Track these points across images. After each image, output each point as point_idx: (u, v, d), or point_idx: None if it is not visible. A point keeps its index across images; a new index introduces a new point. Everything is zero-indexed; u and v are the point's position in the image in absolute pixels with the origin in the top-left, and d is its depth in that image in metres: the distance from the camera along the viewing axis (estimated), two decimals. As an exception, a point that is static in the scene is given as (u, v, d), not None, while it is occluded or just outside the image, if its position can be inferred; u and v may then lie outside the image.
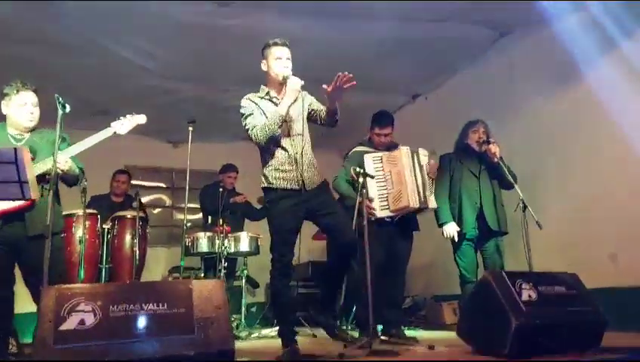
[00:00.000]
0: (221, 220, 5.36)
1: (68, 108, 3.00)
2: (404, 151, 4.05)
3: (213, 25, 5.04)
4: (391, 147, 4.21)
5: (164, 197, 8.49)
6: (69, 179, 3.36)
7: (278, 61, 3.29)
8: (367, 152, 4.09)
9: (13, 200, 2.85)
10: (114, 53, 5.46)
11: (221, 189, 5.78)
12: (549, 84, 5.17)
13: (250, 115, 3.26)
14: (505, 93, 5.70)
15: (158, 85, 6.28)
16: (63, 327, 1.98)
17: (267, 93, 3.36)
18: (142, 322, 2.12)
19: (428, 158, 4.21)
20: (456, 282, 4.52)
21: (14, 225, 3.07)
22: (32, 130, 3.31)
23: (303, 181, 3.24)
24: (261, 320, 7.12)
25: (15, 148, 2.46)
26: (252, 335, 4.99)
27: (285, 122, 3.25)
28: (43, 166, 3.12)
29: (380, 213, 3.93)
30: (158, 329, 2.13)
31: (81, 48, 5.31)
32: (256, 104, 3.30)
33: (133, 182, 5.73)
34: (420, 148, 4.21)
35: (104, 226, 4.85)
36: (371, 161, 3.98)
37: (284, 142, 3.28)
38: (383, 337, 3.93)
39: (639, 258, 4.10)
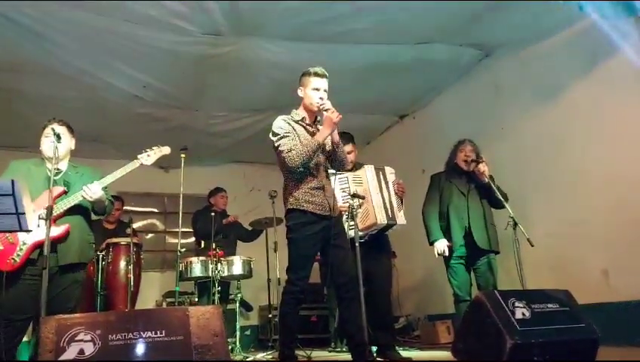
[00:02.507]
0: (214, 244, 5.37)
1: (63, 139, 3.27)
2: (367, 169, 4.14)
3: (203, 53, 5.10)
4: (355, 166, 4.26)
5: (156, 222, 8.49)
6: (98, 209, 3.55)
7: (316, 92, 3.36)
8: (332, 173, 3.97)
9: (11, 231, 2.94)
10: (106, 82, 5.50)
11: (213, 213, 5.79)
12: (534, 103, 5.26)
13: (285, 136, 3.29)
14: (491, 111, 5.79)
15: (149, 113, 6.32)
16: (63, 357, 1.98)
17: (303, 119, 3.42)
18: (141, 350, 2.12)
19: (394, 176, 4.30)
20: (449, 301, 4.56)
21: (49, 256, 3.11)
22: (72, 164, 3.56)
23: (329, 207, 3.31)
24: (256, 344, 7.11)
25: (12, 180, 2.48)
26: (247, 359, 4.96)
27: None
28: (75, 199, 3.32)
29: (350, 233, 3.81)
30: (157, 357, 2.13)
31: (73, 77, 5.35)
32: (292, 127, 3.35)
33: (127, 207, 5.73)
34: (386, 167, 4.30)
35: (98, 253, 4.84)
36: (338, 182, 3.98)
37: (313, 168, 3.35)
38: (378, 359, 3.93)
39: (630, 273, 4.15)
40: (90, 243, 3.57)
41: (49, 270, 3.10)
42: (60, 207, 3.27)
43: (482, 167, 4.25)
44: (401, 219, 4.18)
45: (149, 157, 3.67)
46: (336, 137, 3.38)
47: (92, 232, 3.61)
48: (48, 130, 3.39)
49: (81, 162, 3.72)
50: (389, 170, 4.30)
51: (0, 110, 5.96)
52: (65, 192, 3.37)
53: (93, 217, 5.45)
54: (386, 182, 4.21)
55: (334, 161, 3.49)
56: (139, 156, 3.64)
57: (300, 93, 3.44)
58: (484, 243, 4.25)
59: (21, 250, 3.18)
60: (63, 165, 3.53)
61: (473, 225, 4.28)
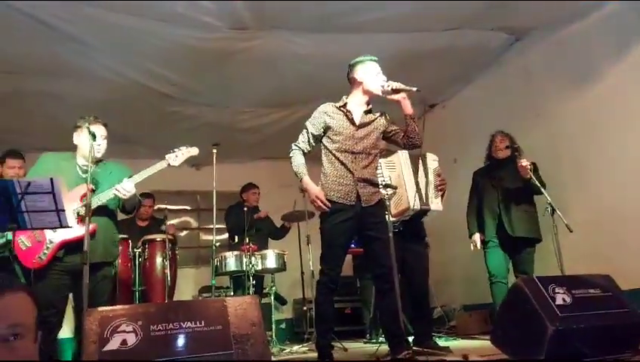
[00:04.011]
0: (247, 239, 5.41)
1: (97, 138, 3.26)
2: (401, 153, 4.10)
3: (230, 49, 5.13)
4: (386, 153, 4.23)
5: (190, 219, 8.60)
6: (129, 207, 3.55)
7: (379, 76, 3.43)
8: None
9: (52, 228, 2.96)
10: (135, 82, 5.58)
11: (245, 208, 5.84)
12: (567, 86, 5.15)
13: (305, 130, 3.46)
14: (523, 97, 5.68)
15: (178, 111, 6.39)
16: (107, 348, 2.02)
17: (345, 105, 3.45)
18: (181, 340, 2.15)
19: (437, 163, 4.30)
20: (485, 291, 4.52)
21: (75, 254, 3.18)
22: (98, 161, 3.48)
23: (358, 196, 3.30)
24: (291, 336, 7.15)
25: (51, 178, 2.54)
26: (283, 352, 5.00)
27: (353, 139, 3.37)
28: (105, 196, 3.29)
29: None
30: (197, 347, 2.15)
31: (104, 78, 5.44)
32: (330, 116, 3.41)
33: (160, 206, 5.82)
34: (428, 153, 4.31)
35: (135, 250, 4.93)
36: None
37: (345, 157, 3.36)
38: (415, 348, 3.90)
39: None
40: (116, 242, 3.56)
41: (75, 267, 3.16)
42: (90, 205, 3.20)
43: (524, 162, 4.27)
44: (436, 205, 4.13)
45: (177, 157, 3.61)
46: (409, 109, 3.38)
47: (117, 231, 3.60)
48: (96, 131, 3.35)
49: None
50: (431, 156, 4.28)
51: (35, 113, 6.09)
52: (92, 190, 3.28)
53: (123, 215, 5.56)
54: (425, 168, 4.17)
55: (405, 137, 3.47)
56: (167, 156, 3.60)
57: (360, 78, 3.45)
58: (517, 230, 4.39)
59: (48, 248, 3.18)
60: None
61: (504, 214, 4.47)
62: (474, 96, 6.55)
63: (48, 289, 3.17)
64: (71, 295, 3.33)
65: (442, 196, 4.23)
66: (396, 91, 3.32)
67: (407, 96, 3.38)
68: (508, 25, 5.35)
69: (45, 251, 3.18)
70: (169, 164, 3.56)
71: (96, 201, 3.26)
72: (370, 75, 3.43)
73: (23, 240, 3.20)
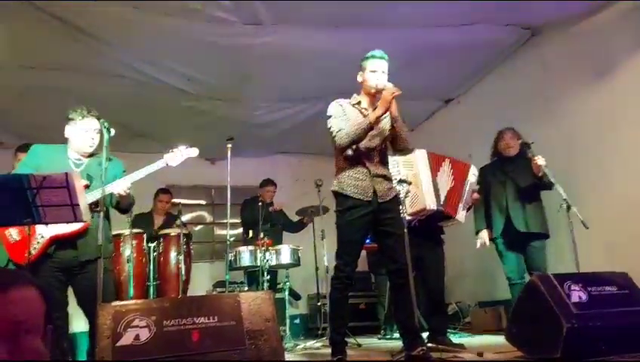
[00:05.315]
0: (262, 233, 5.42)
1: (113, 132, 3.11)
2: (419, 153, 4.07)
3: (245, 44, 5.12)
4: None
5: (204, 214, 8.64)
6: (125, 205, 3.43)
7: (373, 74, 3.34)
8: None
9: (67, 222, 2.91)
10: (151, 78, 5.60)
11: (260, 203, 5.85)
12: (584, 81, 5.06)
13: (335, 117, 3.33)
14: (539, 92, 5.60)
15: (193, 106, 6.40)
16: (121, 343, 2.04)
17: (358, 103, 3.42)
18: (194, 335, 2.17)
19: (475, 177, 4.29)
20: (500, 287, 4.49)
21: (65, 251, 3.13)
22: (91, 155, 3.36)
23: (375, 192, 3.27)
24: (305, 332, 7.16)
25: (66, 173, 2.55)
26: (297, 347, 5.01)
27: (368, 135, 3.29)
28: (99, 193, 3.11)
29: None
30: (211, 342, 2.17)
31: (120, 74, 5.47)
32: (343, 108, 3.36)
33: (175, 200, 5.86)
34: (472, 165, 4.32)
35: (149, 244, 4.96)
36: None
37: (361, 153, 3.32)
38: (429, 344, 3.89)
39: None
40: (109, 238, 3.46)
41: (67, 263, 3.12)
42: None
43: (539, 160, 4.19)
44: (461, 216, 4.17)
45: (176, 158, 3.50)
46: (395, 111, 3.28)
47: (110, 227, 3.51)
48: (90, 124, 3.26)
49: (125, 157, 3.62)
50: (473, 170, 4.30)
51: (52, 108, 6.13)
52: (87, 186, 3.19)
53: (139, 210, 5.49)
54: (462, 177, 4.18)
55: (395, 141, 3.42)
56: (165, 156, 3.50)
57: (360, 77, 3.42)
58: (523, 226, 4.34)
59: (38, 243, 3.06)
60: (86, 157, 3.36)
61: (512, 210, 4.41)
62: (489, 91, 6.47)
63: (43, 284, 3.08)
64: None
65: (469, 209, 4.29)
66: (379, 91, 3.26)
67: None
68: (524, 20, 5.28)
69: (35, 246, 3.04)
70: (167, 164, 3.46)
71: (91, 198, 3.12)
72: (366, 72, 3.35)
73: (12, 233, 3.11)
